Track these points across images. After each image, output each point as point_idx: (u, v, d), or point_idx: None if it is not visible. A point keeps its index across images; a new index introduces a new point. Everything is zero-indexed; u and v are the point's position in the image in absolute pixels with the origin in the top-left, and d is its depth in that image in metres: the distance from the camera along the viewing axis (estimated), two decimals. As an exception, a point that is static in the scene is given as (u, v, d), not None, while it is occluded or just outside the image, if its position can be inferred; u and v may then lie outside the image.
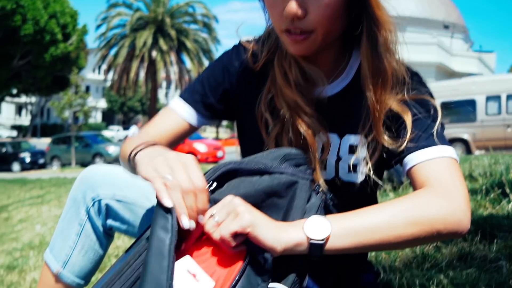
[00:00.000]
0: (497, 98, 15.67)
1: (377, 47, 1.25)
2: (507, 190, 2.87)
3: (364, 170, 1.36)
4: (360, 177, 1.37)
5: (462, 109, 16.68)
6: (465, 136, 15.96)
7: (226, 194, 1.10)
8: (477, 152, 15.41)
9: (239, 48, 1.50)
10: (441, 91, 17.06)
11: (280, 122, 1.38)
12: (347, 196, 1.36)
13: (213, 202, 1.09)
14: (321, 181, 1.34)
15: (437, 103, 1.33)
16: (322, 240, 1.05)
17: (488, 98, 15.79)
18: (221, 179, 1.15)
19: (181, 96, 1.53)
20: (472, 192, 3.20)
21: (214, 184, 1.14)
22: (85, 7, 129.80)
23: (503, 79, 16.69)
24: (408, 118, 1.29)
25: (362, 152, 1.35)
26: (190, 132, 1.52)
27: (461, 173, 1.21)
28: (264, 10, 1.37)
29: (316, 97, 1.36)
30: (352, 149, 1.36)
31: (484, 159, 5.29)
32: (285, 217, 1.12)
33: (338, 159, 1.37)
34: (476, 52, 49.62)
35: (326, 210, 1.22)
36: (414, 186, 1.25)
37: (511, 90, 15.48)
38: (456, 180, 1.19)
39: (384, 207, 1.13)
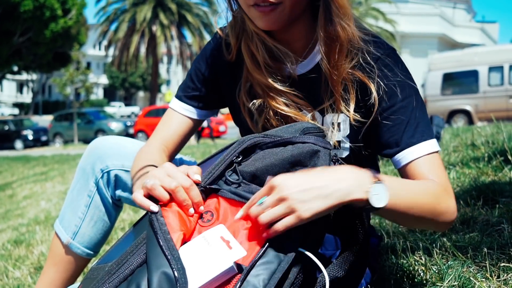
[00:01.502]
0: (499, 68, 15.58)
1: (331, 13, 1.25)
2: (510, 157, 2.89)
3: (346, 146, 1.38)
4: (344, 153, 1.39)
5: (465, 80, 16.61)
6: (468, 108, 15.92)
7: (252, 166, 1.15)
8: (479, 123, 15.38)
9: (217, 37, 1.51)
10: (443, 62, 17.00)
11: (261, 108, 1.40)
12: None
13: (240, 174, 1.15)
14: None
15: (417, 86, 1.36)
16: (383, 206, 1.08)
17: (491, 69, 15.70)
18: (246, 152, 1.19)
19: (176, 95, 1.56)
20: (475, 159, 3.22)
21: (240, 157, 1.18)
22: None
23: (505, 50, 16.55)
24: (371, 86, 1.31)
25: (344, 129, 1.37)
26: (196, 126, 1.56)
27: (442, 165, 1.31)
28: None
29: (289, 75, 1.38)
30: (336, 125, 1.37)
31: (486, 128, 5.30)
32: None
33: (330, 130, 1.38)
34: (478, 22, 49.29)
35: None
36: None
37: (514, 60, 15.39)
38: (444, 177, 1.27)
39: (418, 185, 1.20)
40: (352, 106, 1.32)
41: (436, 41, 39.09)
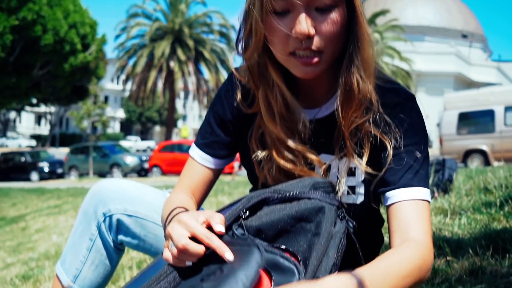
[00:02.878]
0: (516, 108, 15.53)
1: (352, 64, 1.25)
2: (522, 203, 2.85)
3: (361, 192, 1.37)
4: (359, 199, 1.38)
5: (481, 120, 16.55)
6: (484, 147, 15.81)
7: (258, 220, 1.16)
8: (495, 163, 15.25)
9: (232, 77, 1.50)
10: (459, 102, 16.98)
11: (268, 158, 1.40)
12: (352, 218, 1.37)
13: (246, 228, 1.16)
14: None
15: (427, 137, 1.36)
16: None
17: (507, 109, 15.62)
18: (254, 207, 1.20)
19: (196, 142, 1.56)
20: (487, 205, 3.17)
21: (247, 213, 1.19)
22: (104, 16, 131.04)
23: (522, 89, 16.54)
24: (388, 144, 1.30)
25: (359, 174, 1.36)
26: (216, 175, 1.55)
27: (430, 217, 1.28)
28: (242, 38, 1.34)
29: (308, 117, 1.37)
30: (352, 172, 1.36)
31: (500, 171, 5.24)
32: (312, 241, 1.15)
33: (338, 181, 1.36)
34: (495, 61, 49.31)
35: (348, 237, 1.24)
36: (390, 222, 1.27)
37: (531, 100, 15.33)
38: (428, 229, 1.25)
39: (379, 264, 1.13)
40: (365, 160, 1.32)
41: (452, 79, 39.13)
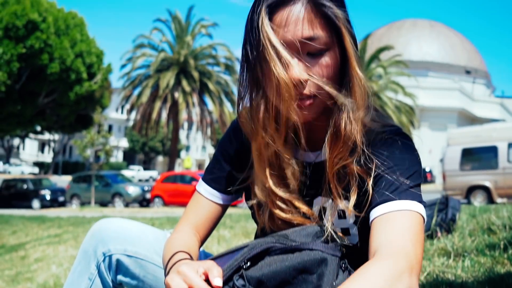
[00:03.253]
0: (519, 145, 15.56)
1: (343, 106, 1.25)
2: (526, 247, 2.82)
3: (355, 232, 1.36)
4: (355, 239, 1.38)
5: (484, 156, 16.58)
6: (487, 184, 15.79)
7: (259, 271, 1.15)
8: (499, 200, 15.21)
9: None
10: (462, 137, 17.02)
11: (266, 205, 1.39)
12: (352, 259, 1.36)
13: (247, 279, 1.15)
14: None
15: (420, 168, 1.30)
16: None
17: (510, 145, 15.66)
18: (256, 257, 1.19)
19: (203, 178, 1.56)
20: (490, 247, 3.15)
21: (249, 263, 1.18)
22: (111, 46, 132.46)
23: (525, 126, 16.59)
24: (370, 181, 1.27)
25: (348, 216, 1.35)
26: (223, 211, 1.55)
27: (419, 229, 1.15)
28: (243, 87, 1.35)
29: (308, 160, 1.38)
30: (343, 213, 1.36)
31: (503, 209, 5.21)
32: None
33: (333, 224, 1.34)
34: (498, 97, 49.54)
35: None
36: (370, 240, 1.18)
37: (534, 137, 15.36)
38: (419, 247, 1.14)
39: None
40: (351, 203, 1.29)
41: (456, 115, 39.23)
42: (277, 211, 1.36)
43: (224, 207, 1.54)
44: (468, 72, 47.92)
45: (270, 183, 1.35)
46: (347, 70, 1.25)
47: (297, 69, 1.19)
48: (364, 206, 1.29)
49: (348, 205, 1.30)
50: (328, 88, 1.23)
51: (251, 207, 1.52)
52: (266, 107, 1.31)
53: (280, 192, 1.35)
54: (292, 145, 1.36)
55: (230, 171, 1.51)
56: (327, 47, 1.21)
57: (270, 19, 1.21)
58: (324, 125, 1.35)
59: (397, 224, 1.15)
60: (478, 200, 15.70)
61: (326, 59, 1.22)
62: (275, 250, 1.19)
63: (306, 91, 1.22)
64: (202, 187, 1.54)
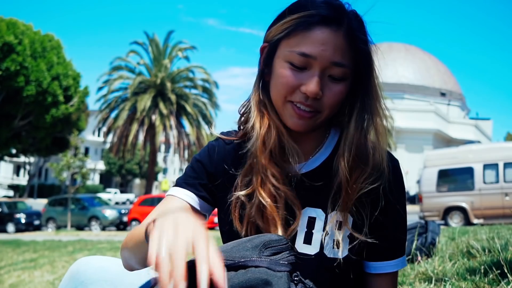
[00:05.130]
0: (494, 166, 15.74)
1: (365, 134, 1.34)
2: (506, 271, 2.83)
3: (346, 246, 1.37)
4: (342, 253, 1.37)
5: (460, 177, 16.74)
6: (463, 205, 15.93)
7: None
8: (475, 221, 15.34)
9: (219, 140, 1.53)
10: (439, 159, 17.18)
11: (250, 198, 1.39)
12: (328, 274, 1.36)
13: None
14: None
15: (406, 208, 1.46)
16: None
17: (486, 166, 15.84)
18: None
19: (177, 183, 1.51)
20: (471, 271, 3.16)
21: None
22: (87, 68, 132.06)
23: (500, 147, 16.82)
24: (385, 213, 1.38)
25: (346, 229, 1.37)
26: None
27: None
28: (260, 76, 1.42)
29: (293, 172, 1.39)
30: (340, 225, 1.37)
31: (482, 232, 5.26)
32: None
33: (325, 234, 1.37)
34: (472, 119, 50.21)
35: None
36: None
37: (508, 158, 15.55)
38: None
39: None
40: (365, 228, 1.36)
41: (432, 136, 39.68)
42: (264, 197, 1.35)
43: (200, 217, 1.46)
44: (443, 94, 48.60)
45: (270, 166, 1.37)
46: (369, 100, 1.34)
47: (317, 86, 1.26)
48: (361, 227, 1.36)
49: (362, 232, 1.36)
50: (332, 111, 1.32)
51: (223, 223, 1.48)
52: (271, 106, 1.39)
53: (277, 176, 1.37)
54: (279, 157, 1.39)
55: (206, 181, 1.48)
56: (345, 76, 1.29)
57: (312, 29, 1.26)
58: (312, 138, 1.43)
59: (393, 282, 1.43)
60: (455, 221, 15.83)
61: (341, 87, 1.30)
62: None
63: (316, 106, 1.29)
64: (174, 190, 1.48)
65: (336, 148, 1.42)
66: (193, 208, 1.46)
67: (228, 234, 1.46)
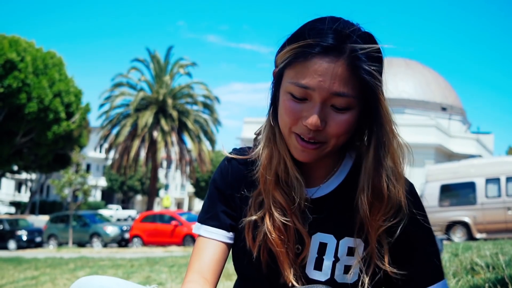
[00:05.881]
0: (496, 180, 15.71)
1: (381, 174, 1.29)
2: (510, 288, 2.83)
3: (356, 271, 1.35)
4: (352, 278, 1.36)
5: (462, 192, 16.70)
6: (466, 219, 15.88)
7: None
8: (478, 235, 15.29)
9: (230, 160, 1.53)
10: (441, 174, 17.16)
11: (261, 222, 1.39)
12: None
13: None
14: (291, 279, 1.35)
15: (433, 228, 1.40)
16: None
17: (488, 181, 15.82)
18: None
19: (199, 220, 1.52)
20: (475, 288, 3.15)
21: None
22: (89, 84, 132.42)
23: (501, 162, 16.78)
24: (415, 248, 1.35)
25: (357, 254, 1.35)
26: (228, 249, 1.49)
27: None
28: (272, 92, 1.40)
29: (306, 197, 1.38)
30: (351, 251, 1.36)
31: (485, 248, 5.24)
32: None
33: (336, 260, 1.36)
34: (474, 133, 50.10)
35: None
36: None
37: (510, 172, 15.51)
38: None
39: None
40: (387, 259, 1.33)
41: (433, 151, 39.61)
42: (272, 228, 1.35)
43: (228, 246, 1.48)
44: (444, 109, 48.62)
45: (278, 194, 1.37)
46: (381, 132, 1.29)
47: (317, 118, 1.23)
48: (380, 254, 1.33)
49: (384, 263, 1.33)
50: (338, 140, 1.28)
51: (237, 248, 1.49)
52: (280, 134, 1.37)
53: (285, 205, 1.37)
54: (289, 183, 1.38)
55: (224, 207, 1.49)
56: (350, 106, 1.25)
57: (310, 61, 1.23)
58: (323, 165, 1.41)
59: None
60: (457, 236, 15.77)
61: (347, 116, 1.25)
62: None
63: (319, 138, 1.26)
64: (200, 229, 1.49)
65: (350, 172, 1.41)
66: (222, 242, 1.47)
67: (241, 250, 1.46)
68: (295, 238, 1.37)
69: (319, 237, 1.39)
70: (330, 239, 1.38)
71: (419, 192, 1.44)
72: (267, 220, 1.37)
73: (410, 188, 1.38)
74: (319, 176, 1.42)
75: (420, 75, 49.63)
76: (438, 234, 15.18)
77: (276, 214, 1.36)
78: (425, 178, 17.73)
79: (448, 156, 40.78)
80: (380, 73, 1.27)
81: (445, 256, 4.94)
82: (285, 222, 1.36)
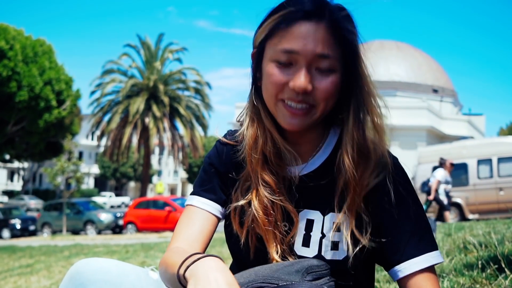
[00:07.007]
0: (488, 161, 15.79)
1: (364, 130, 1.32)
2: (503, 266, 2.85)
3: (345, 248, 1.36)
4: (342, 255, 1.37)
5: (454, 173, 16.76)
6: (459, 200, 15.95)
7: None
8: (471, 216, 15.38)
9: (225, 143, 1.54)
10: (433, 156, 17.20)
11: (248, 206, 1.40)
12: (336, 273, 1.35)
13: None
14: (276, 255, 1.36)
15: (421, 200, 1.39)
16: None
17: (480, 162, 15.88)
18: None
19: (193, 192, 1.53)
20: (468, 266, 3.18)
21: None
22: (79, 71, 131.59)
23: (493, 143, 16.85)
24: (397, 206, 1.34)
25: (345, 230, 1.35)
26: (217, 224, 1.50)
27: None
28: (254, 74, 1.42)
29: (291, 175, 1.40)
30: (338, 228, 1.36)
31: (478, 227, 5.28)
32: None
33: (323, 236, 1.38)
34: (465, 115, 50.21)
35: None
36: None
37: (502, 153, 15.58)
38: None
39: None
40: (369, 232, 1.34)
41: (425, 133, 39.68)
42: (259, 208, 1.37)
43: (217, 220, 1.50)
44: (435, 91, 48.64)
45: (265, 174, 1.39)
46: (361, 95, 1.33)
47: (304, 79, 1.25)
48: (366, 228, 1.34)
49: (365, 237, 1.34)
50: (327, 103, 1.30)
51: (230, 228, 1.50)
52: (265, 110, 1.39)
53: (272, 183, 1.38)
54: (276, 161, 1.40)
55: (219, 182, 1.51)
56: (333, 68, 1.28)
57: (293, 26, 1.26)
58: (310, 139, 1.42)
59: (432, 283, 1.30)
60: (450, 217, 15.87)
61: (333, 78, 1.28)
62: None
63: (307, 100, 1.28)
64: (194, 200, 1.50)
65: (335, 147, 1.41)
66: (214, 215, 1.49)
67: (231, 233, 1.48)
68: (282, 217, 1.39)
69: (306, 214, 1.40)
70: (316, 215, 1.39)
71: (411, 175, 1.45)
72: (253, 199, 1.38)
73: (394, 161, 1.40)
74: (306, 152, 1.43)
75: (412, 57, 49.55)
76: (431, 216, 15.29)
77: (264, 192, 1.37)
78: (417, 160, 17.80)
79: (440, 138, 40.87)
80: (357, 35, 1.31)
81: (438, 236, 4.98)
82: (273, 200, 1.37)
